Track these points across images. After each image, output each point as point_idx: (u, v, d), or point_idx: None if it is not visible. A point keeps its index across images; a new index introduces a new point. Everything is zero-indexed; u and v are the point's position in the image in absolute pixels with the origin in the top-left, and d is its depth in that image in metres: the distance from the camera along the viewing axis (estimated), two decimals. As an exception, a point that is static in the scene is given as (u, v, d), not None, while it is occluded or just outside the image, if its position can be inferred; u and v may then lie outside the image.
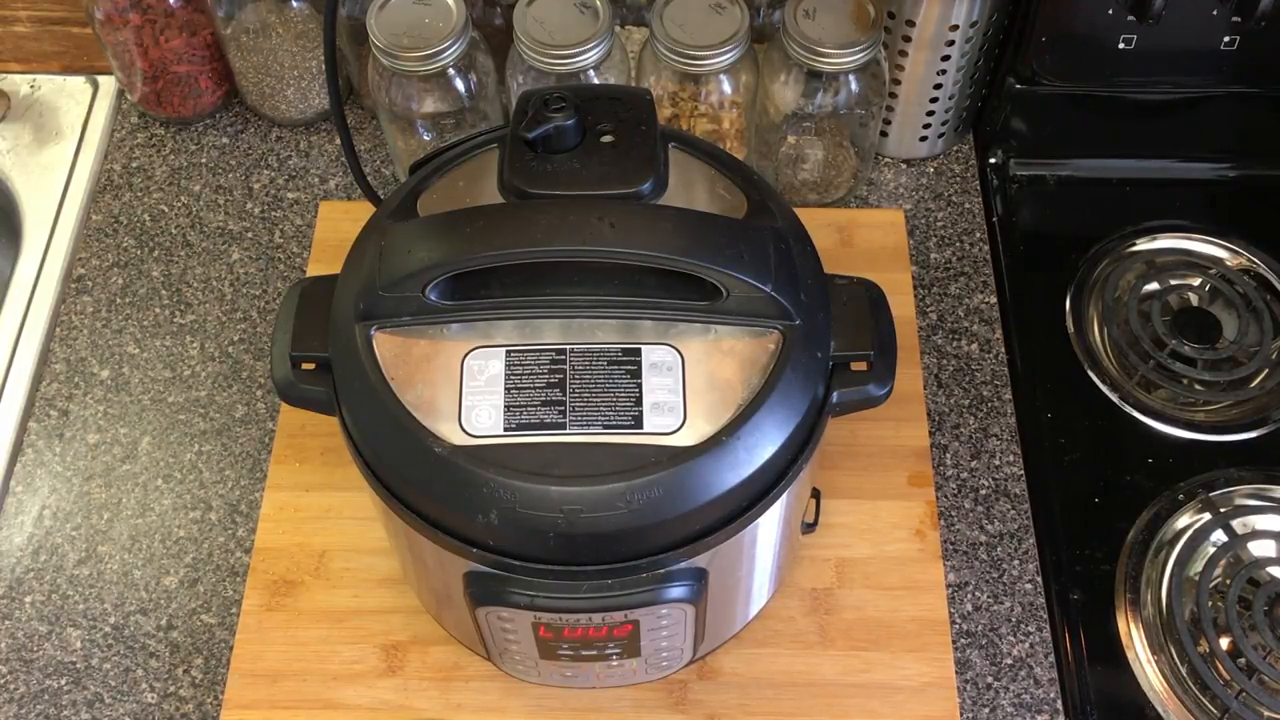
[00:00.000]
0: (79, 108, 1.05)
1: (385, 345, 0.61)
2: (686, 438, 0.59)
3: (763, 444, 0.60)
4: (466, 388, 0.60)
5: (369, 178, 0.94)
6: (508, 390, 0.59)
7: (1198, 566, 0.81)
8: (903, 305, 0.92)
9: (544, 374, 0.60)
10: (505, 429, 0.59)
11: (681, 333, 0.61)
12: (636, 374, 0.60)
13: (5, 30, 1.07)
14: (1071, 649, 0.79)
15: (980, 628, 0.80)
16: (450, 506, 0.59)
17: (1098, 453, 0.87)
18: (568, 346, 0.61)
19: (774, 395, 0.60)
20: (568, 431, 0.59)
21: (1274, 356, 0.92)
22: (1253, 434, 0.88)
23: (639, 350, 0.61)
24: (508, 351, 0.60)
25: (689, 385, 0.60)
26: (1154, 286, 0.95)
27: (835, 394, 0.64)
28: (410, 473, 0.60)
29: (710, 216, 0.63)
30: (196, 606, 0.82)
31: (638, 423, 0.59)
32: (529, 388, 0.60)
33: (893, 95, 0.96)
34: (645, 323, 0.61)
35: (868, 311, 0.66)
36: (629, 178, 0.61)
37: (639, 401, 0.59)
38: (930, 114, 0.98)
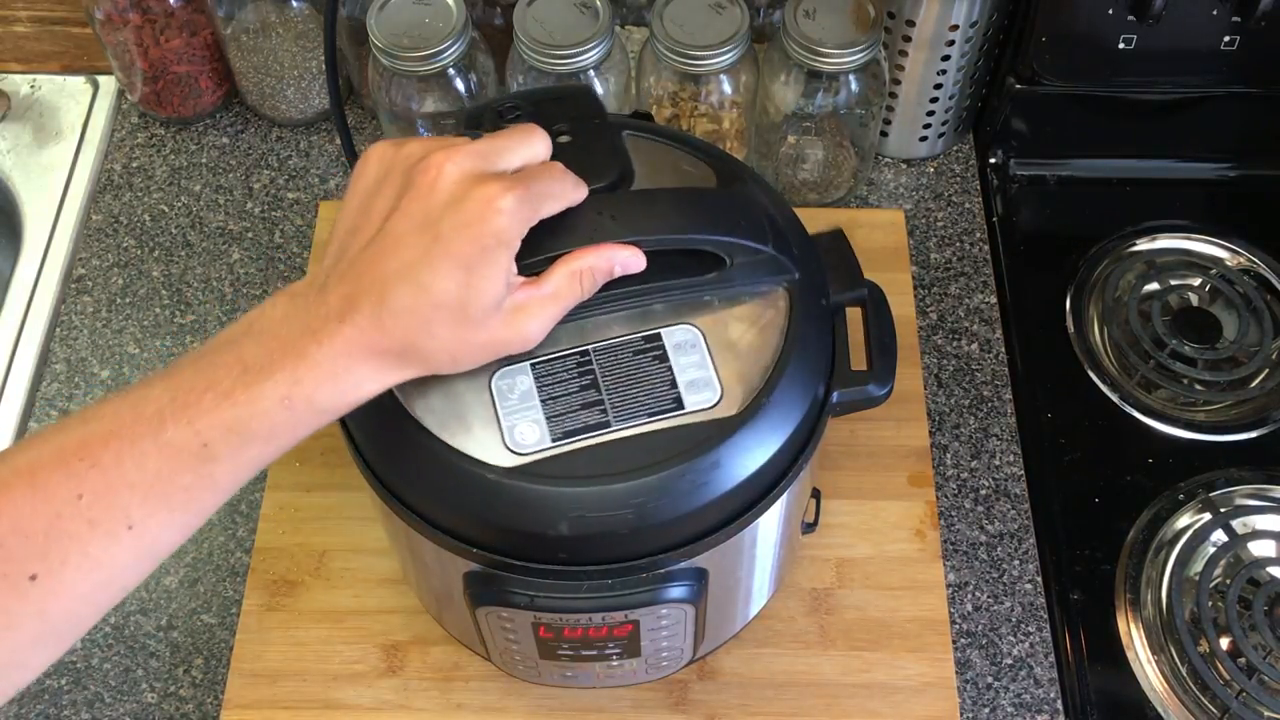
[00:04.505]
0: (79, 108, 1.05)
1: (407, 385, 0.59)
2: (728, 407, 0.59)
3: (801, 397, 0.61)
4: (501, 409, 0.59)
5: (369, 178, 0.93)
6: (544, 402, 0.59)
7: (1198, 566, 0.81)
8: (903, 305, 0.92)
9: (575, 378, 0.60)
10: (553, 440, 0.58)
11: (694, 309, 0.62)
12: (664, 357, 0.61)
13: (5, 30, 1.07)
14: (1071, 649, 0.80)
15: (980, 628, 0.80)
16: (515, 526, 0.58)
17: (1098, 453, 0.87)
18: (590, 346, 0.61)
19: (796, 348, 0.61)
20: (614, 428, 0.59)
21: (1274, 356, 0.92)
22: (1253, 434, 0.88)
23: (659, 335, 0.61)
24: (533, 365, 0.60)
25: (716, 357, 0.61)
26: (1154, 286, 0.95)
27: (835, 394, 0.64)
28: (468, 505, 0.59)
29: (697, 190, 0.64)
30: (196, 606, 0.82)
31: (679, 404, 0.59)
32: (564, 395, 0.59)
33: (893, 95, 0.97)
34: (656, 307, 0.62)
35: (849, 252, 0.68)
36: (601, 171, 0.61)
37: (674, 384, 0.60)
38: (930, 114, 0.98)
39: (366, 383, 0.53)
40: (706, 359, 0.61)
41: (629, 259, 0.57)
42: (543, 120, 0.60)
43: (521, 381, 0.60)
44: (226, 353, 0.51)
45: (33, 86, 1.06)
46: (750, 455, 0.59)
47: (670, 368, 0.60)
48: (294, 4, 0.97)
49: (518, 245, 0.53)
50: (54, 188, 1.00)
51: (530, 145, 0.57)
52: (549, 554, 0.59)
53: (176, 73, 0.99)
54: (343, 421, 0.63)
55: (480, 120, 0.63)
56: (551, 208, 0.55)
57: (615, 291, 0.60)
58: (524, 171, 0.55)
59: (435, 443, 0.58)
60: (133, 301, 0.95)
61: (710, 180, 0.66)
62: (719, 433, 0.59)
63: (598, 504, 0.57)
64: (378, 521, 0.77)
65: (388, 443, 0.61)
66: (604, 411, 0.59)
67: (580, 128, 0.62)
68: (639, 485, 0.57)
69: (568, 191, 0.56)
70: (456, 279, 0.52)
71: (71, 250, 0.98)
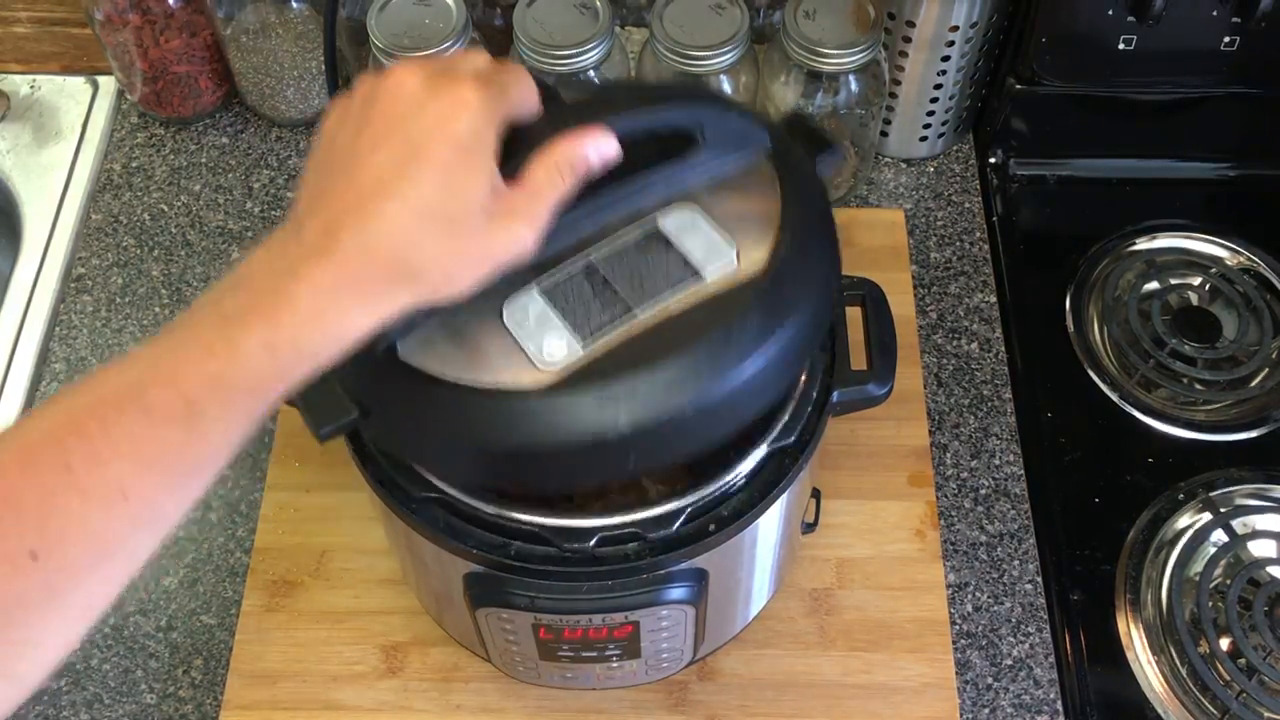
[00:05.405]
0: (79, 108, 1.05)
1: (414, 351, 0.57)
2: (751, 265, 0.57)
3: (819, 243, 0.59)
4: (520, 335, 0.56)
5: (369, 178, 0.94)
6: (563, 314, 0.56)
7: (1198, 567, 0.81)
8: (903, 305, 0.92)
9: (586, 287, 0.57)
10: (584, 345, 0.55)
11: (682, 196, 0.59)
12: (669, 244, 0.58)
13: (5, 30, 1.07)
14: (1071, 649, 0.79)
15: (980, 628, 0.80)
16: (572, 440, 0.54)
17: (1098, 453, 0.87)
18: (592, 255, 0.58)
19: (793, 202, 0.59)
20: (640, 313, 0.56)
21: (1274, 356, 0.92)
22: (1253, 434, 0.88)
23: (655, 224, 0.59)
24: (540, 288, 0.57)
25: (720, 229, 0.58)
26: (1154, 286, 0.95)
27: (835, 394, 0.64)
28: (515, 438, 0.55)
29: (646, 84, 0.62)
30: (196, 607, 0.82)
31: (699, 274, 0.57)
32: (581, 303, 0.57)
33: (893, 95, 0.96)
34: (643, 204, 0.58)
35: (812, 123, 0.66)
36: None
37: (687, 261, 0.57)
38: (930, 114, 0.98)
39: (355, 317, 0.50)
40: (712, 232, 0.58)
41: (601, 141, 0.54)
42: None
43: (534, 306, 0.57)
44: (208, 310, 0.50)
45: (33, 86, 1.06)
46: (786, 310, 0.57)
47: (679, 247, 0.58)
48: (294, 4, 0.97)
49: (494, 143, 0.51)
50: (54, 188, 1.00)
51: (477, 56, 0.55)
52: (614, 463, 0.56)
53: (176, 73, 0.99)
54: (333, 376, 0.55)
55: None
56: (519, 102, 0.53)
57: (600, 199, 0.56)
58: (482, 73, 0.53)
59: (461, 390, 0.55)
60: (132, 301, 0.95)
61: None
62: (753, 288, 0.56)
63: (653, 390, 0.54)
64: (378, 521, 0.77)
65: (409, 415, 0.57)
66: (626, 304, 0.56)
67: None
68: (688, 360, 0.54)
69: (527, 84, 0.54)
70: (436, 183, 0.49)
71: (71, 250, 0.98)
